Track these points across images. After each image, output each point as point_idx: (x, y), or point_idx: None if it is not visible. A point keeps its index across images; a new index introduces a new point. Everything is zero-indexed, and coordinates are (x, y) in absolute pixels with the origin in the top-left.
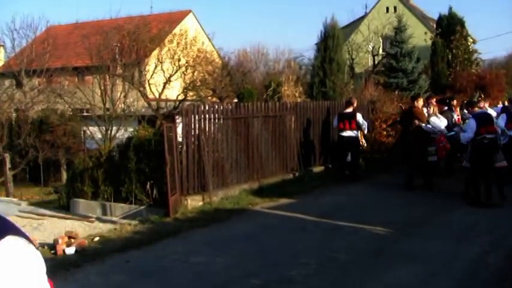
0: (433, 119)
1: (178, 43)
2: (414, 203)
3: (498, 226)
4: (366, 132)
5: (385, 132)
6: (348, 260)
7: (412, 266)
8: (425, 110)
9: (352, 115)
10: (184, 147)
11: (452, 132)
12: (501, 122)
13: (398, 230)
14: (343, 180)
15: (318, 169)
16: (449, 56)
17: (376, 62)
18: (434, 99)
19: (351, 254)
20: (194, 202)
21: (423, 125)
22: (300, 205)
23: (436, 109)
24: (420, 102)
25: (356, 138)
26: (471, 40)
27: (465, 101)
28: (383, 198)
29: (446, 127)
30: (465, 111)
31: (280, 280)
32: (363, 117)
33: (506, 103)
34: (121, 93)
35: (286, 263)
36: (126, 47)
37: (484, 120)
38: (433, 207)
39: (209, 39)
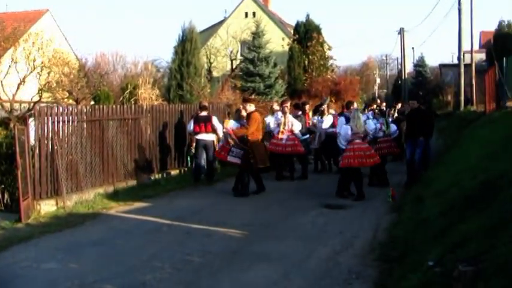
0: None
1: (33, 43)
2: (268, 205)
3: (349, 227)
4: (221, 135)
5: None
6: (202, 262)
7: (266, 267)
8: (279, 114)
9: (208, 118)
10: (37, 151)
11: (306, 136)
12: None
13: (253, 232)
14: (198, 183)
15: (174, 172)
16: (306, 62)
17: (234, 66)
18: (289, 103)
19: (205, 257)
20: (47, 207)
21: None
22: (155, 208)
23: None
24: (251, 107)
25: (211, 141)
26: (327, 47)
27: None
28: (238, 201)
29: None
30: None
31: (134, 285)
32: (218, 120)
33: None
34: None
35: (141, 267)
36: None
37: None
38: (287, 209)
39: (66, 39)
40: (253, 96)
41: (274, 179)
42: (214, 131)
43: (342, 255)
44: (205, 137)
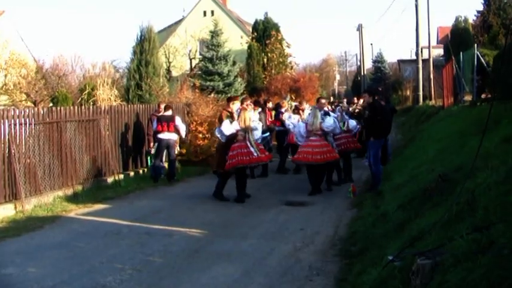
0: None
1: None
2: (229, 204)
3: (310, 223)
4: (183, 135)
5: (200, 135)
6: (163, 263)
7: (227, 265)
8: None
9: (171, 118)
10: None
11: (266, 134)
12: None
13: (213, 231)
14: (158, 183)
15: (134, 173)
16: (265, 60)
17: (193, 65)
18: (249, 101)
19: (166, 257)
20: (6, 211)
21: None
22: (115, 210)
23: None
24: (235, 105)
25: (174, 140)
26: (286, 44)
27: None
28: (198, 200)
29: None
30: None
31: (95, 287)
32: (182, 120)
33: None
34: None
35: (101, 269)
36: None
37: None
38: (247, 208)
39: (23, 41)
40: (212, 95)
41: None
42: (176, 131)
43: (303, 252)
44: (168, 136)
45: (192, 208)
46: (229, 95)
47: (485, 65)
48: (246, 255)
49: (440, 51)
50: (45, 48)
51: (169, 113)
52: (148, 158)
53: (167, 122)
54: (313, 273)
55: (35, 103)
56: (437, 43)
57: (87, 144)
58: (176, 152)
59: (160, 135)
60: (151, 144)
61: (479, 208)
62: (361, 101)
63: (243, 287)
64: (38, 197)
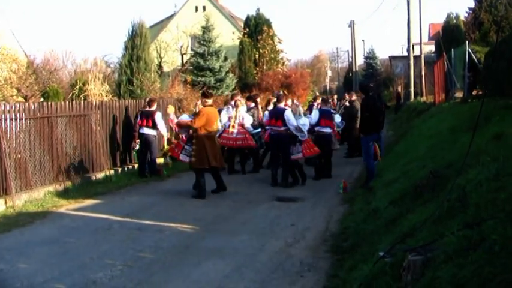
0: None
1: None
2: (220, 199)
3: (301, 219)
4: (163, 133)
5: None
6: (154, 259)
7: (218, 261)
8: (231, 107)
9: (151, 113)
10: None
11: (258, 130)
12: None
13: (205, 226)
14: (149, 179)
15: (125, 168)
16: (256, 55)
17: (184, 61)
18: (239, 96)
19: (157, 253)
20: None
21: None
22: (106, 205)
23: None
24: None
25: (153, 136)
26: (277, 40)
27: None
28: (189, 196)
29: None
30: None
31: (85, 283)
32: (162, 116)
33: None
34: None
35: (92, 265)
36: None
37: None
38: (238, 203)
39: (14, 35)
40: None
41: (226, 173)
42: (154, 126)
43: (294, 248)
44: (147, 131)
45: (183, 204)
46: (220, 91)
47: (476, 61)
48: (237, 251)
49: (431, 48)
50: (36, 43)
51: (152, 108)
52: (134, 154)
53: (147, 117)
54: (305, 269)
55: (25, 98)
56: (428, 40)
57: (78, 140)
58: (165, 149)
59: (140, 130)
60: (137, 140)
61: (471, 205)
62: (354, 97)
63: (234, 282)
64: (29, 192)
